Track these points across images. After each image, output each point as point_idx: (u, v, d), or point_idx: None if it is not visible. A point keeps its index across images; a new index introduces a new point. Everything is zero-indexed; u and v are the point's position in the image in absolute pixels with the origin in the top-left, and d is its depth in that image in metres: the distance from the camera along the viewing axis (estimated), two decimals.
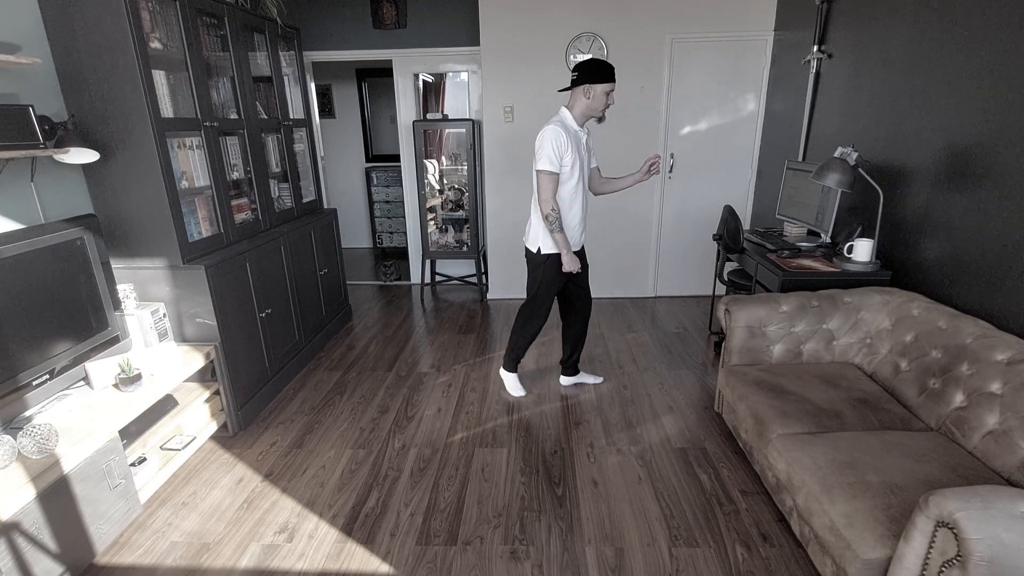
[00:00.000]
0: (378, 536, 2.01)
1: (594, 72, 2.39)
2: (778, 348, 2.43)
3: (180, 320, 2.52)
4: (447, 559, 1.90)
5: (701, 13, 3.85)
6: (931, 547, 1.28)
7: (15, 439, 1.75)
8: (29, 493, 1.65)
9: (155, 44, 2.32)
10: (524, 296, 4.59)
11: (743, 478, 2.27)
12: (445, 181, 4.85)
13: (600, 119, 2.53)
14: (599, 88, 2.41)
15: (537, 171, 2.43)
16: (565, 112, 2.49)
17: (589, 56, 2.46)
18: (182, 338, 2.55)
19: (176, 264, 2.42)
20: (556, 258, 2.58)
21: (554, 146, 2.39)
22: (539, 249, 2.59)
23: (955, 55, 2.22)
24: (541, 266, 2.63)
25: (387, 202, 5.91)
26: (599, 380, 3.09)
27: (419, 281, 5.05)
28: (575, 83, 2.44)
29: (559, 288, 2.72)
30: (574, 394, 2.98)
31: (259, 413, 2.85)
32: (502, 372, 3.02)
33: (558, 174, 2.43)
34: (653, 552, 1.91)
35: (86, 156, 2.11)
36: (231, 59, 2.80)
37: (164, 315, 2.45)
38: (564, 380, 3.07)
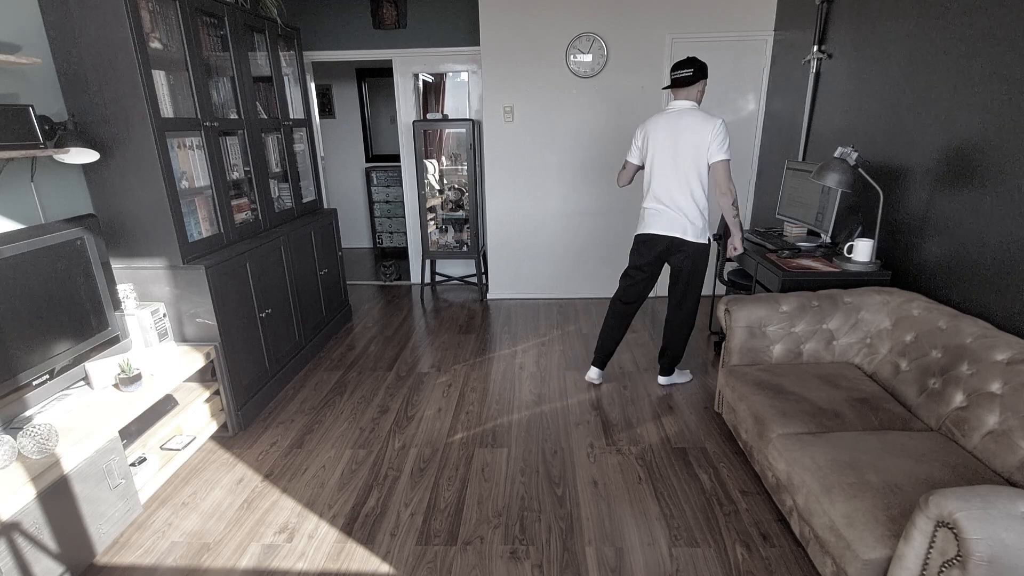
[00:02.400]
0: (378, 536, 2.01)
1: (706, 71, 2.60)
2: (778, 348, 2.43)
3: (180, 320, 2.52)
4: (447, 559, 1.90)
5: (701, 13, 3.85)
6: (931, 547, 1.28)
7: (15, 439, 1.75)
8: (29, 493, 1.65)
9: (155, 44, 2.32)
10: (525, 296, 4.63)
11: (743, 478, 2.27)
12: (445, 181, 4.85)
13: None
14: (705, 85, 2.63)
15: (720, 161, 2.52)
16: (696, 105, 2.63)
17: (684, 59, 2.61)
18: (182, 338, 2.55)
19: (176, 264, 2.42)
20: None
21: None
22: (709, 239, 2.71)
23: (955, 55, 2.22)
24: (706, 256, 2.73)
25: (387, 202, 5.91)
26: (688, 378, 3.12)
27: (419, 281, 5.05)
28: (692, 80, 2.57)
29: None
30: (574, 394, 2.98)
31: (259, 413, 2.85)
32: (666, 379, 3.02)
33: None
34: (653, 552, 1.91)
35: (86, 156, 2.11)
36: (231, 59, 2.80)
37: (164, 315, 2.45)
38: (596, 375, 3.09)
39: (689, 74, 2.55)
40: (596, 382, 3.07)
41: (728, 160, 2.52)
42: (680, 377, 3.06)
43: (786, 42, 3.71)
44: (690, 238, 2.66)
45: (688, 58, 2.57)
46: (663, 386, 3.04)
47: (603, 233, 4.40)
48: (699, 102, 2.62)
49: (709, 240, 2.69)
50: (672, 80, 2.63)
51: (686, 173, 2.60)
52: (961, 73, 2.19)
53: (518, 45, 3.98)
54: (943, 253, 2.29)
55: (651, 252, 2.78)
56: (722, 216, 3.25)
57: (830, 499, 1.60)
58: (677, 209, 2.65)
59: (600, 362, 3.05)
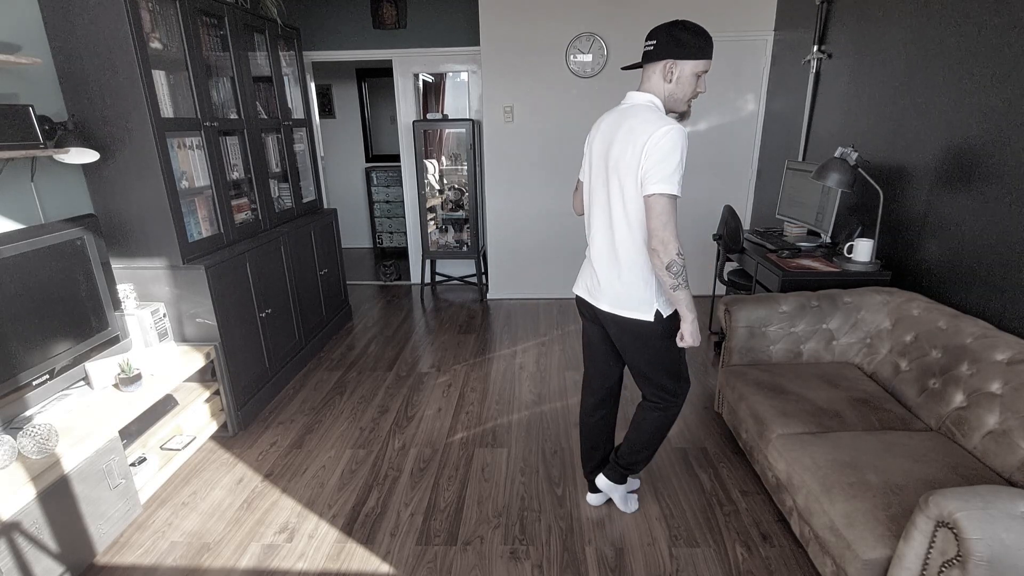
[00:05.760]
0: (378, 536, 2.01)
1: (684, 43, 1.55)
2: (778, 348, 2.43)
3: (180, 320, 2.52)
4: (447, 559, 1.90)
5: (701, 13, 3.84)
6: (931, 547, 1.28)
7: (15, 439, 1.75)
8: (29, 493, 1.65)
9: (155, 44, 2.32)
10: (525, 296, 4.62)
11: (743, 478, 2.27)
12: (445, 181, 4.85)
13: (683, 116, 1.69)
14: (688, 68, 1.57)
15: (655, 195, 1.51)
16: (656, 100, 1.63)
17: (675, 28, 1.57)
18: (182, 338, 2.55)
19: (176, 264, 2.42)
20: (673, 321, 1.72)
21: (684, 156, 1.52)
22: (657, 313, 1.68)
23: (955, 55, 2.22)
24: (666, 335, 1.72)
25: (387, 202, 5.91)
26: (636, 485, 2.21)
27: (419, 281, 5.05)
28: (652, 56, 1.60)
29: None
30: (574, 393, 2.98)
31: (259, 413, 2.85)
32: (609, 484, 2.03)
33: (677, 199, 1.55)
34: (653, 552, 1.90)
35: (86, 156, 2.10)
36: (231, 59, 2.80)
37: (164, 315, 2.45)
38: (595, 499, 2.14)
39: (650, 48, 1.60)
40: (596, 504, 2.14)
41: (671, 196, 1.51)
42: (624, 499, 2.07)
43: (786, 42, 3.71)
44: (619, 312, 1.71)
45: (660, 25, 1.59)
46: (593, 504, 2.13)
47: None
48: (666, 97, 1.63)
49: (657, 315, 1.68)
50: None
51: (617, 203, 1.64)
52: (961, 73, 2.19)
53: (518, 45, 3.98)
54: (943, 253, 2.29)
55: (589, 322, 1.93)
56: (723, 213, 3.23)
57: (830, 499, 1.60)
58: (600, 263, 1.74)
59: (592, 485, 2.11)
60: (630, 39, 3.92)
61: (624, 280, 1.68)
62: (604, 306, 1.75)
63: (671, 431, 2.60)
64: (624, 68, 1.80)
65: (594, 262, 1.77)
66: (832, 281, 2.58)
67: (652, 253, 1.56)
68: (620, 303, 1.71)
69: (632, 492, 2.12)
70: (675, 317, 1.70)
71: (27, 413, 1.99)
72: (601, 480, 2.04)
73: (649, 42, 1.60)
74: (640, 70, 1.73)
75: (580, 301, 1.91)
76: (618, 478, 2.01)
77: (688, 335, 1.65)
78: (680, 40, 1.54)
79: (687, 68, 1.57)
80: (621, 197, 1.62)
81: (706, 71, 1.60)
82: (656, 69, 1.61)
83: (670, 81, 1.60)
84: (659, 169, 1.50)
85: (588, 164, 1.78)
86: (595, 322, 1.89)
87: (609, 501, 2.14)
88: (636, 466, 1.98)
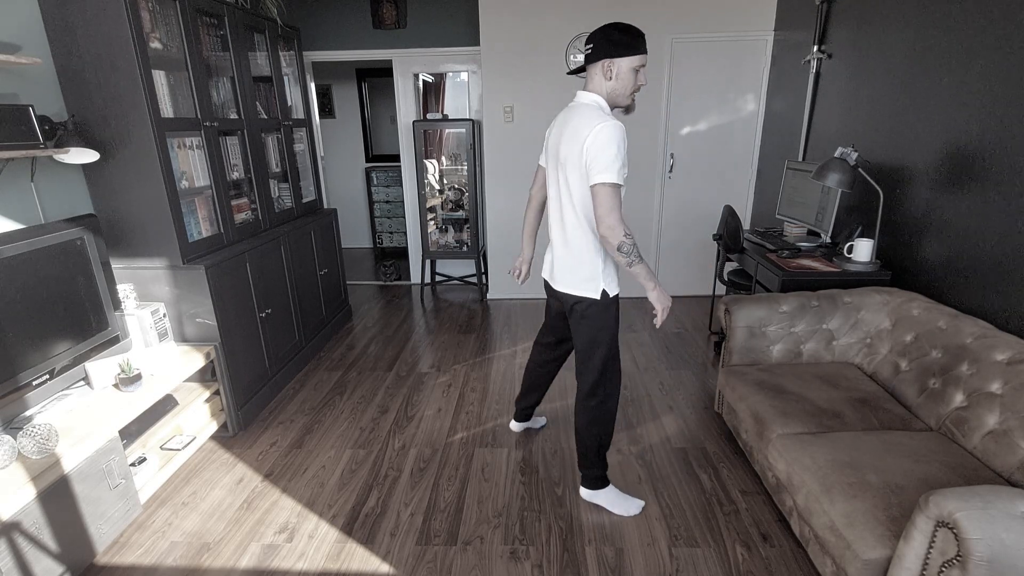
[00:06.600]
0: (378, 536, 2.01)
1: (616, 42, 1.70)
2: (778, 348, 2.43)
3: (180, 320, 2.52)
4: (447, 559, 1.90)
5: (701, 13, 3.85)
6: (931, 547, 1.28)
7: (15, 439, 1.75)
8: (29, 493, 1.65)
9: (155, 44, 2.32)
10: (525, 296, 4.63)
11: (743, 478, 2.27)
12: (445, 181, 4.85)
13: (628, 109, 1.85)
14: (625, 64, 1.72)
15: (597, 185, 1.68)
16: (598, 99, 1.78)
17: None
18: (182, 338, 2.55)
19: (176, 264, 2.42)
20: (617, 297, 1.94)
21: (622, 148, 1.68)
22: (603, 292, 1.87)
23: (955, 55, 2.22)
24: (608, 315, 1.90)
25: (387, 202, 5.91)
26: (543, 422, 2.66)
27: (419, 281, 5.05)
28: (591, 58, 1.76)
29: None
30: (574, 393, 2.98)
31: (259, 413, 2.85)
32: (593, 494, 2.12)
33: (622, 187, 1.74)
34: (653, 552, 1.90)
35: (86, 156, 2.10)
36: (231, 59, 2.80)
37: (164, 315, 2.45)
38: (516, 426, 2.62)
39: (589, 51, 1.75)
40: (516, 430, 2.61)
41: (614, 185, 1.67)
42: (612, 502, 2.09)
43: (786, 42, 3.71)
44: (577, 290, 1.89)
45: (595, 29, 1.77)
46: (514, 430, 2.60)
47: None
48: (608, 93, 1.77)
49: (603, 293, 1.87)
50: None
51: (565, 195, 1.84)
52: (961, 73, 2.19)
53: (518, 45, 3.98)
54: (943, 253, 2.29)
55: (553, 307, 2.18)
56: (723, 213, 3.24)
57: (830, 499, 1.60)
58: (556, 246, 1.95)
59: (519, 415, 2.58)
60: None
61: (574, 261, 1.89)
62: (559, 286, 1.96)
63: (671, 431, 2.61)
64: (569, 73, 2.01)
65: (552, 246, 2.00)
66: (832, 281, 2.58)
67: (603, 239, 1.74)
68: (571, 282, 1.91)
69: (625, 498, 2.13)
70: (617, 297, 1.93)
71: (27, 413, 1.99)
72: (585, 493, 2.15)
73: (587, 46, 1.76)
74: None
75: (545, 282, 2.12)
76: (595, 484, 2.12)
77: (655, 301, 1.82)
78: (613, 40, 1.71)
79: (624, 64, 1.73)
80: (568, 189, 1.82)
81: (643, 65, 1.75)
82: (597, 69, 1.76)
83: (610, 78, 1.75)
84: (598, 161, 1.67)
85: (545, 154, 2.00)
86: (556, 299, 2.12)
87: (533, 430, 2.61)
88: (596, 467, 2.10)
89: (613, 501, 2.10)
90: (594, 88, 1.79)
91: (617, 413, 2.33)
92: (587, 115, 1.72)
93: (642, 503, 2.12)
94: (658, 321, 1.82)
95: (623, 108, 1.85)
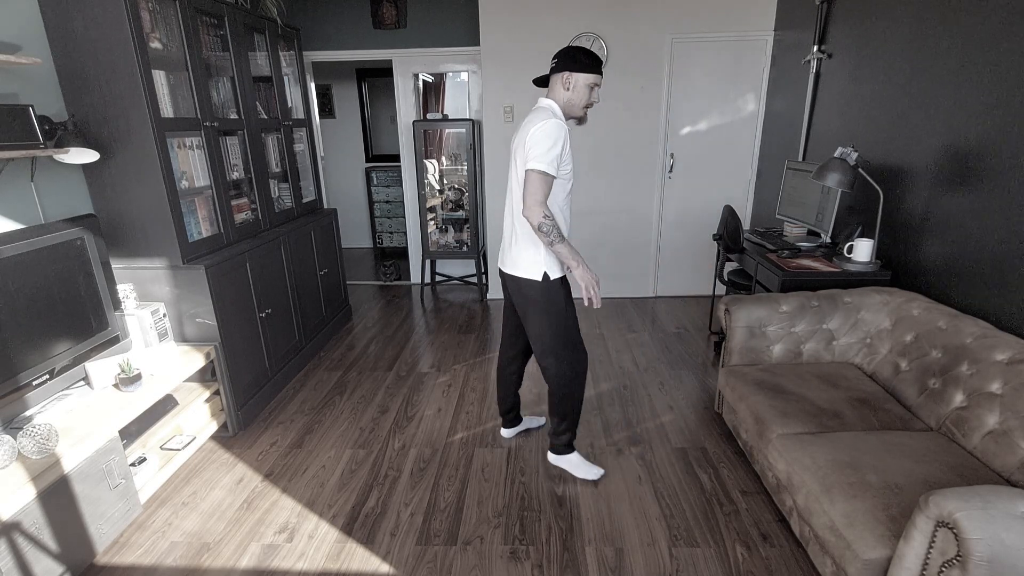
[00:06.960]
0: (378, 536, 2.01)
1: (577, 60, 1.96)
2: (778, 348, 2.43)
3: (180, 320, 2.52)
4: (447, 559, 1.90)
5: (701, 13, 3.85)
6: (931, 547, 1.28)
7: (15, 439, 1.75)
8: (29, 493, 1.65)
9: (155, 44, 2.32)
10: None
11: (743, 478, 2.27)
12: (445, 181, 4.85)
13: (580, 120, 2.10)
14: (581, 79, 1.97)
15: (528, 170, 1.88)
16: (553, 104, 2.02)
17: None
18: (182, 338, 2.55)
19: (176, 264, 2.42)
20: (563, 282, 2.10)
21: (559, 144, 1.89)
22: (545, 274, 2.04)
23: (955, 54, 2.22)
24: (551, 297, 2.07)
25: (387, 202, 5.91)
26: (542, 422, 2.69)
27: (419, 281, 5.05)
28: (554, 70, 2.01)
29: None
30: None
31: (259, 413, 2.85)
32: (558, 458, 2.34)
33: (553, 179, 1.92)
34: (653, 552, 1.90)
35: (86, 156, 2.10)
36: (231, 59, 2.80)
37: (164, 315, 2.45)
38: (507, 432, 2.61)
39: (554, 64, 2.01)
40: (508, 437, 2.62)
41: (542, 173, 1.86)
42: (575, 467, 2.30)
43: (786, 42, 3.71)
44: (519, 272, 2.07)
45: (561, 48, 2.09)
46: (505, 436, 2.61)
47: (603, 233, 4.40)
48: (564, 103, 2.01)
49: (544, 276, 2.04)
50: None
51: (515, 184, 2.05)
52: (961, 73, 2.19)
53: (518, 45, 3.98)
54: (943, 253, 2.29)
55: (506, 292, 2.24)
56: (723, 213, 3.24)
57: (830, 499, 1.61)
58: (507, 232, 2.14)
59: (506, 423, 2.60)
60: (630, 39, 3.92)
61: (518, 244, 2.07)
62: (508, 268, 2.12)
63: (671, 430, 2.61)
64: (533, 81, 2.15)
65: (504, 235, 2.18)
66: (832, 281, 2.58)
67: (527, 220, 1.93)
68: (515, 264, 2.08)
69: (588, 464, 2.32)
70: (564, 283, 2.10)
71: (27, 413, 1.99)
72: (552, 458, 2.36)
73: (553, 60, 2.02)
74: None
75: (500, 273, 2.23)
76: (562, 451, 2.33)
77: (579, 279, 1.97)
78: (575, 58, 1.97)
79: (580, 80, 1.98)
80: (517, 179, 2.02)
81: (597, 84, 2.01)
82: (558, 80, 2.01)
83: (568, 89, 2.00)
84: (533, 150, 1.89)
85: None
86: (508, 290, 2.21)
87: (527, 434, 2.63)
88: (564, 435, 2.30)
89: (576, 466, 2.31)
90: (553, 96, 2.04)
91: (587, 388, 2.59)
92: (540, 115, 1.95)
93: (602, 471, 2.30)
94: (586, 298, 1.97)
95: (576, 119, 2.10)
